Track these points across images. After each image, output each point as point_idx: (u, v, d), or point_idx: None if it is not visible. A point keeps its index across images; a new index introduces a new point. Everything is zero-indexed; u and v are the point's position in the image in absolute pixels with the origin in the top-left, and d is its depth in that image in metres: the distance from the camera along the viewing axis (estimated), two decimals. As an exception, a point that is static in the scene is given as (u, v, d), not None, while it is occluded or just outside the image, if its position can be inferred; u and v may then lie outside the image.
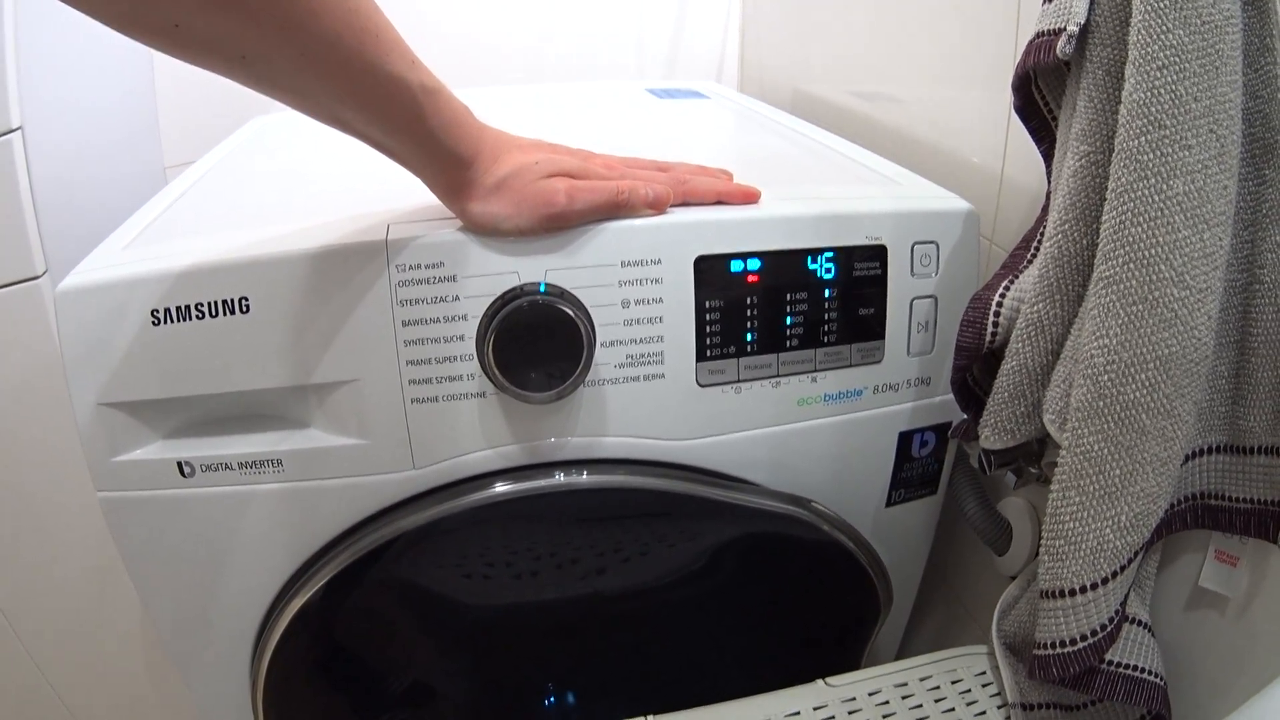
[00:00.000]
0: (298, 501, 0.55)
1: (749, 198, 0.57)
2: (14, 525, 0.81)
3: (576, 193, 0.51)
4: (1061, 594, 0.50)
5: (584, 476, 0.56)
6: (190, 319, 0.52)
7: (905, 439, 0.63)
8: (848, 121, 0.91)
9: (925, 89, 0.79)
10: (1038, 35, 0.51)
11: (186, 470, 0.54)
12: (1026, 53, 0.52)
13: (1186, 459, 0.52)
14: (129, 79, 0.94)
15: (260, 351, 0.52)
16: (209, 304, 0.51)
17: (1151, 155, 0.44)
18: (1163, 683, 0.53)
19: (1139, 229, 0.45)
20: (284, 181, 0.71)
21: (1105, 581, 0.50)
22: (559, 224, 0.52)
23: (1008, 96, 0.65)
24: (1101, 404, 0.47)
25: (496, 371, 0.51)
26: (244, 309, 0.51)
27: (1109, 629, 0.51)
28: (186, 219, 0.61)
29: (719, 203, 0.56)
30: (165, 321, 0.52)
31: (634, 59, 1.16)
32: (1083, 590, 0.50)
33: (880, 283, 0.58)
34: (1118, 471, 0.47)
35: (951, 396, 0.59)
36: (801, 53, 1.04)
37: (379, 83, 0.42)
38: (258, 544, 0.57)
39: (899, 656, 0.80)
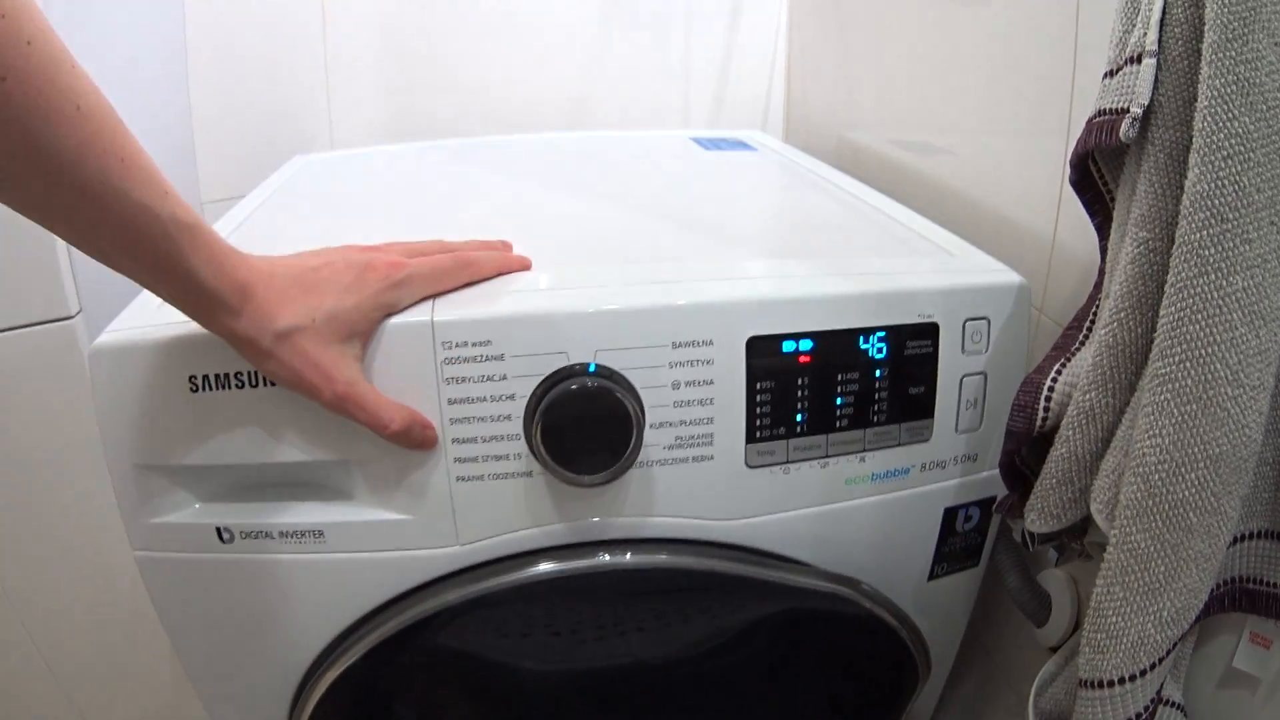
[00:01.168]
0: (338, 573, 0.56)
1: (524, 266, 0.59)
2: (46, 563, 0.82)
3: (346, 398, 0.50)
4: (1101, 684, 0.51)
5: (628, 557, 0.57)
6: (230, 388, 0.52)
7: (950, 514, 0.64)
8: (894, 174, 0.91)
9: (974, 142, 0.79)
10: (1099, 113, 0.51)
11: (226, 536, 0.55)
12: (1086, 132, 0.51)
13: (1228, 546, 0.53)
14: (165, 112, 0.93)
15: (302, 424, 0.53)
16: (249, 374, 0.52)
17: (1213, 250, 0.44)
18: (1196, 763, 0.55)
19: (1197, 326, 0.45)
20: (326, 238, 0.71)
21: (1144, 673, 0.51)
22: (336, 412, 0.51)
23: (1061, 151, 0.66)
24: (1151, 502, 0.47)
25: (544, 454, 0.52)
26: (286, 381, 0.52)
27: (1144, 717, 0.53)
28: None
29: (500, 273, 0.57)
30: (204, 389, 0.52)
31: (680, 102, 1.16)
32: (1121, 681, 0.51)
33: (931, 361, 0.59)
34: (1162, 568, 0.48)
35: (997, 470, 0.60)
36: (848, 101, 1.03)
37: (125, 210, 0.41)
38: (297, 611, 0.58)
39: (933, 720, 0.82)
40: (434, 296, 0.54)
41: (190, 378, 0.52)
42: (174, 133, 0.96)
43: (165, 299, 0.46)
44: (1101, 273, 0.55)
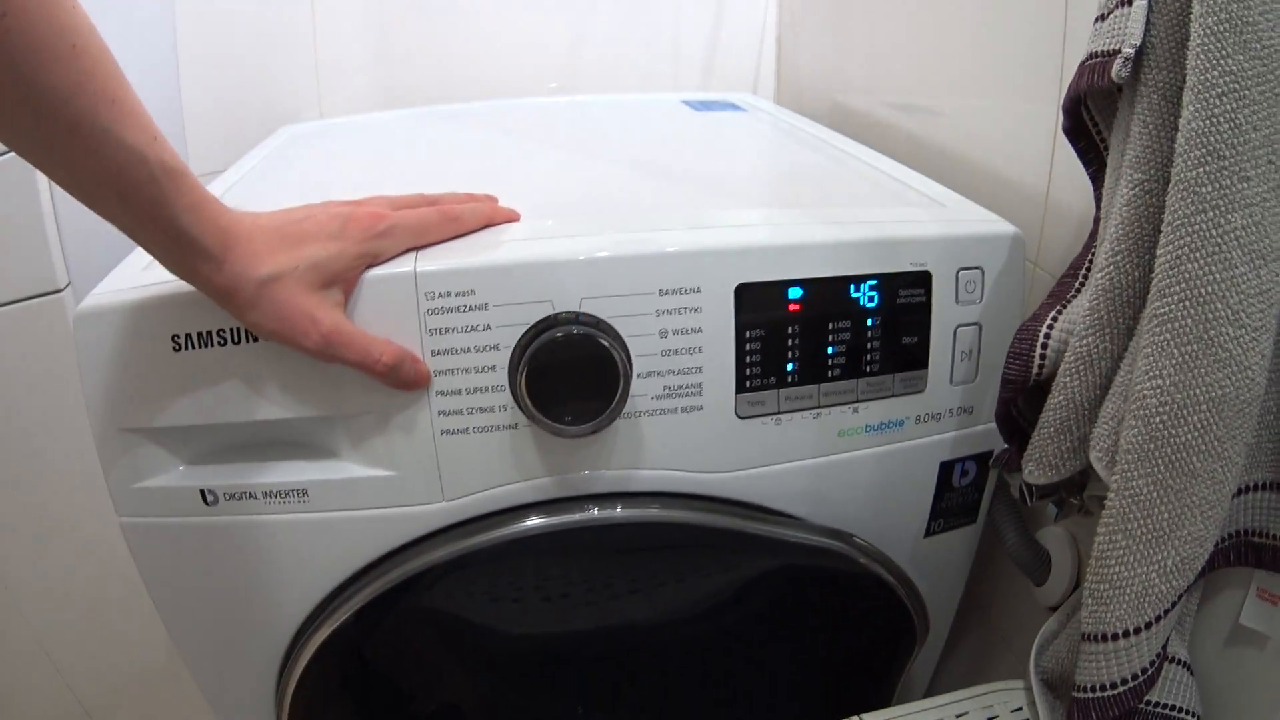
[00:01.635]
0: (324, 532, 0.54)
1: (511, 218, 0.57)
2: (38, 539, 0.81)
3: (333, 338, 0.48)
4: (1104, 638, 0.49)
5: (618, 511, 0.55)
6: (212, 345, 0.50)
7: (946, 469, 0.62)
8: (887, 135, 0.89)
9: (967, 102, 0.77)
10: (1090, 56, 0.49)
11: (210, 498, 0.53)
12: (1079, 75, 0.50)
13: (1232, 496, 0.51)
14: (153, 86, 0.92)
15: (284, 380, 0.51)
16: (231, 330, 0.50)
17: (1210, 187, 0.42)
18: (1201, 722, 0.53)
19: (1196, 265, 0.43)
20: (311, 198, 0.70)
21: (1149, 626, 0.48)
22: (323, 358, 0.49)
23: (1053, 111, 0.64)
24: (1153, 446, 0.45)
25: (530, 404, 0.50)
26: (268, 336, 0.50)
27: (1150, 672, 0.50)
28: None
29: (487, 225, 0.56)
30: (186, 347, 0.50)
31: (670, 68, 1.14)
32: (1125, 635, 0.48)
33: (924, 310, 0.57)
34: (1166, 515, 0.46)
35: (993, 424, 0.58)
36: (839, 63, 1.01)
37: (114, 152, 0.40)
38: (284, 573, 0.56)
39: (933, 684, 0.80)
40: (418, 249, 0.52)
41: (173, 337, 0.50)
42: (163, 106, 0.94)
43: (148, 249, 0.45)
44: (1097, 221, 0.53)
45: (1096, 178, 0.54)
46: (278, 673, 0.59)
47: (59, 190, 0.69)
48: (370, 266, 0.51)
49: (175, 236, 0.44)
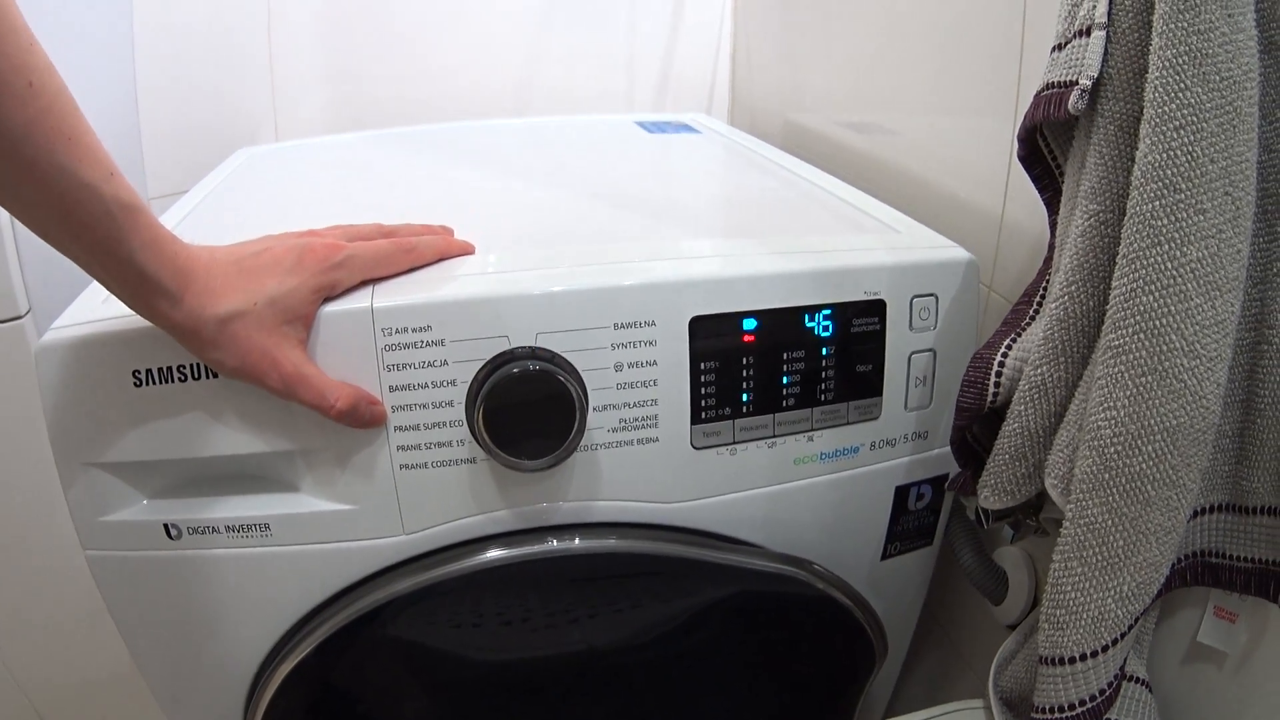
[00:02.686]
0: (287, 565, 0.52)
1: (466, 251, 0.55)
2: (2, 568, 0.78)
3: (291, 380, 0.46)
4: (1061, 661, 0.47)
5: (576, 542, 0.53)
6: (173, 381, 0.48)
7: (902, 493, 0.60)
8: (840, 155, 0.87)
9: (922, 122, 0.75)
10: (1047, 87, 0.47)
11: (173, 532, 0.51)
12: (1035, 105, 0.48)
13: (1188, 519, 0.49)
14: (111, 109, 0.89)
15: (245, 416, 0.49)
16: (191, 366, 0.48)
17: (1166, 220, 0.41)
18: (1160, 741, 0.51)
19: (1150, 297, 0.41)
20: (271, 230, 0.68)
21: (1106, 649, 0.47)
22: (283, 398, 0.47)
23: (1009, 132, 0.62)
24: (1107, 475, 0.44)
25: (487, 440, 0.48)
26: (227, 372, 0.48)
27: (1108, 692, 0.49)
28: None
29: (442, 258, 0.54)
30: (147, 383, 0.48)
31: (624, 88, 1.11)
32: (1083, 658, 0.47)
33: (879, 338, 0.55)
34: (1121, 542, 0.45)
35: (948, 448, 0.56)
36: (793, 83, 0.99)
37: (70, 189, 0.39)
38: (248, 606, 0.54)
39: (892, 702, 0.78)
40: (374, 282, 0.51)
41: (134, 372, 0.48)
42: (121, 129, 0.91)
43: (106, 285, 0.43)
44: (1051, 248, 0.52)
45: (1052, 203, 0.53)
46: (244, 704, 0.57)
47: (18, 216, 0.67)
48: (327, 299, 0.49)
49: (132, 273, 0.42)
